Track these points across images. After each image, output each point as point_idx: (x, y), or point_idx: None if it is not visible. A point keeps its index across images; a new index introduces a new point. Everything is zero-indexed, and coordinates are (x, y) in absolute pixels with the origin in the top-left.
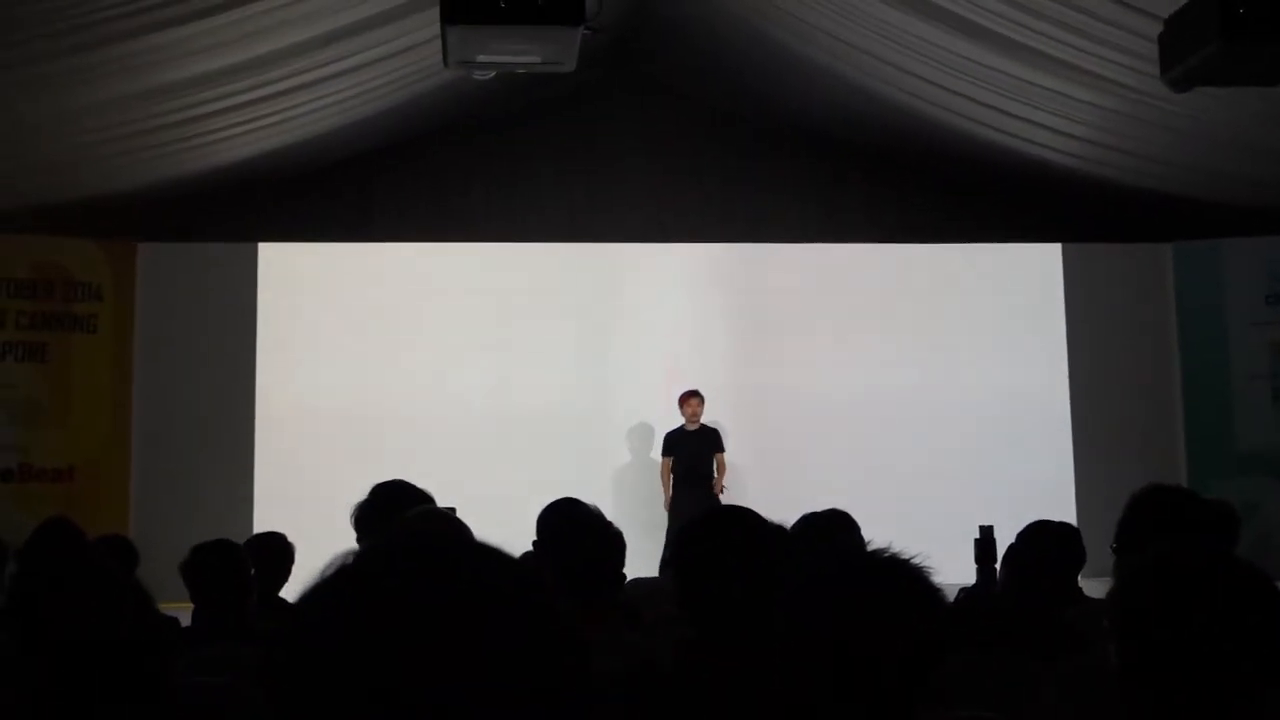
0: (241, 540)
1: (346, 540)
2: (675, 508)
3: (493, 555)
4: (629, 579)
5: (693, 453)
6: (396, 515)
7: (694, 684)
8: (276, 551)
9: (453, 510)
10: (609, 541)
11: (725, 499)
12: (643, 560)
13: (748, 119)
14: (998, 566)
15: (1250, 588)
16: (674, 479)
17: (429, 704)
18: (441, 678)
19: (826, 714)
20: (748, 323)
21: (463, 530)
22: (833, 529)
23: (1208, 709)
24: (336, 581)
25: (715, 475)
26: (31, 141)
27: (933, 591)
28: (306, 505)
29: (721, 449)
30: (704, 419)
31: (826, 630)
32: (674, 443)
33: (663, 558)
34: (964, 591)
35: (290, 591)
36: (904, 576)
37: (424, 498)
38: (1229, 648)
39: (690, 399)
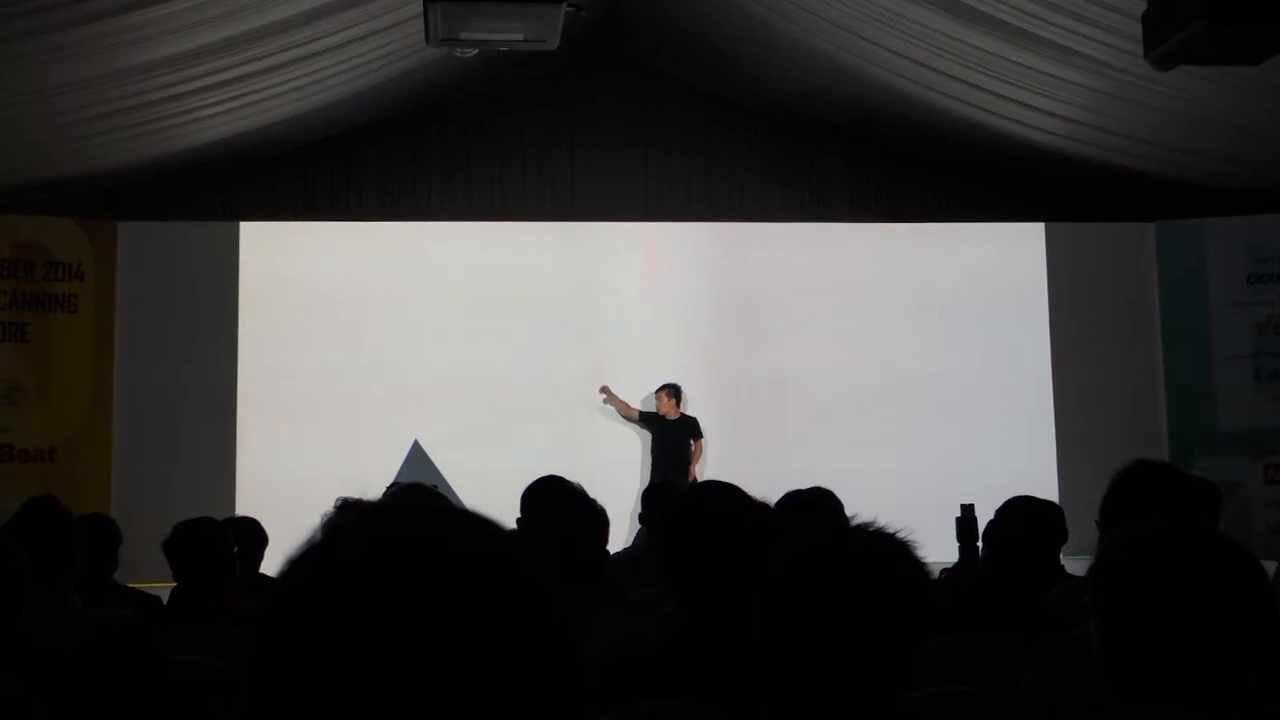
0: (222, 520)
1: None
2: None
3: (484, 532)
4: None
5: (678, 437)
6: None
7: (682, 662)
8: (251, 535)
9: (433, 488)
10: (593, 519)
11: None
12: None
13: (730, 98)
14: (980, 544)
15: (1234, 564)
16: (655, 463)
17: (419, 686)
18: (435, 661)
19: (814, 691)
20: (730, 301)
21: (448, 504)
22: (816, 507)
23: (1190, 686)
24: (324, 556)
25: (691, 462)
26: (10, 120)
27: (918, 566)
28: (289, 484)
29: (700, 435)
30: (686, 402)
31: (812, 606)
32: (657, 423)
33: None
34: (945, 571)
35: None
36: (890, 551)
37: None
38: (1213, 624)
39: (661, 394)
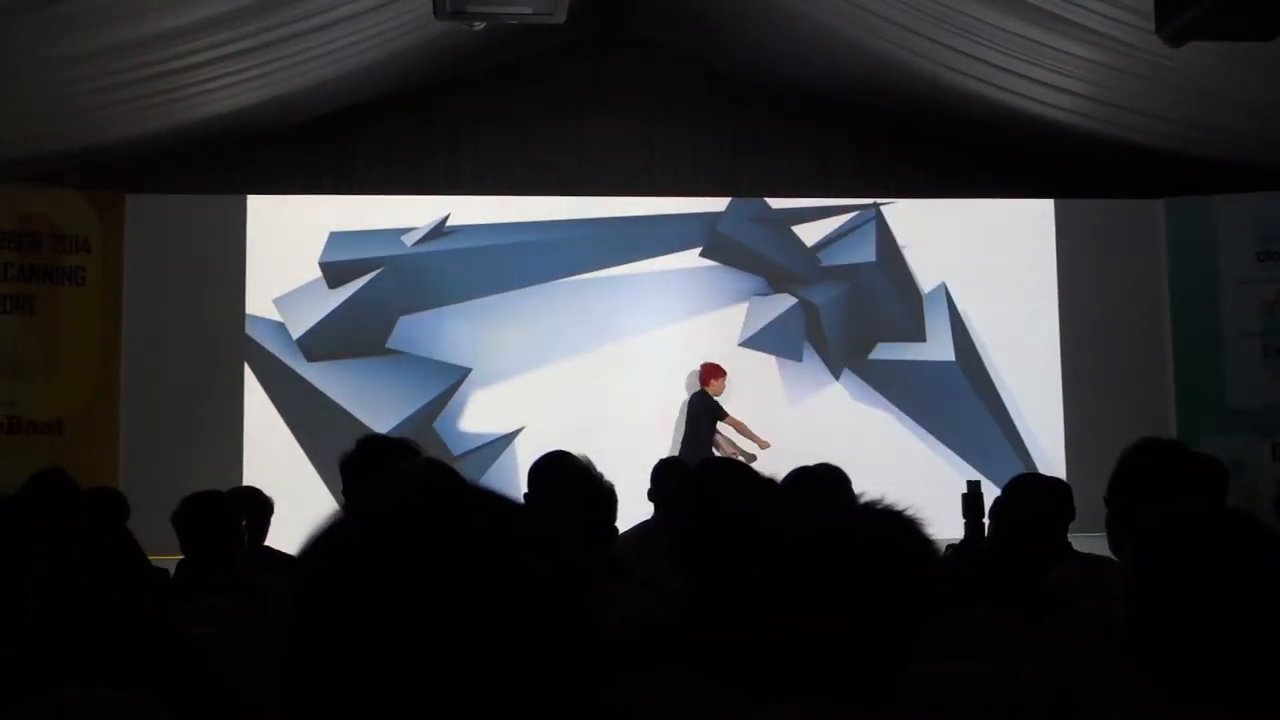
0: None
1: (334, 491)
2: None
3: (510, 510)
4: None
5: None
6: (384, 465)
7: (690, 639)
8: (256, 505)
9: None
10: (600, 495)
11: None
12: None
13: (737, 73)
14: (986, 522)
15: (1271, 547)
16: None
17: (458, 658)
18: (473, 633)
19: (822, 669)
20: (732, 279)
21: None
22: (824, 484)
23: (1220, 667)
24: (352, 533)
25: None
26: (17, 92)
27: (927, 544)
28: (295, 457)
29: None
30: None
31: (816, 594)
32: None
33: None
34: (951, 548)
35: (274, 544)
36: (898, 529)
37: (412, 449)
38: (1250, 606)
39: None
